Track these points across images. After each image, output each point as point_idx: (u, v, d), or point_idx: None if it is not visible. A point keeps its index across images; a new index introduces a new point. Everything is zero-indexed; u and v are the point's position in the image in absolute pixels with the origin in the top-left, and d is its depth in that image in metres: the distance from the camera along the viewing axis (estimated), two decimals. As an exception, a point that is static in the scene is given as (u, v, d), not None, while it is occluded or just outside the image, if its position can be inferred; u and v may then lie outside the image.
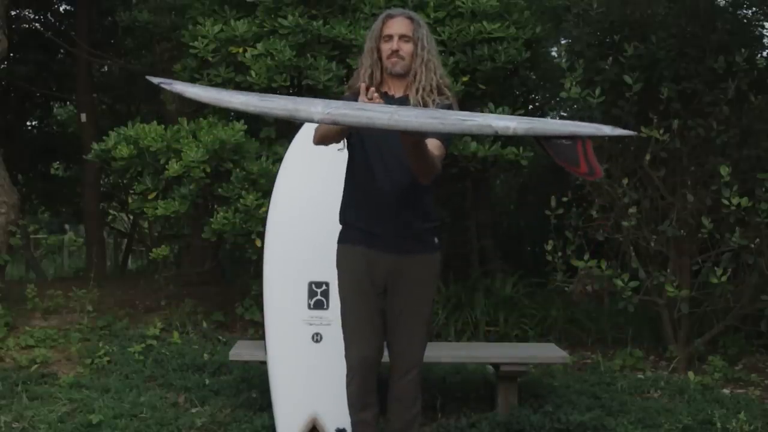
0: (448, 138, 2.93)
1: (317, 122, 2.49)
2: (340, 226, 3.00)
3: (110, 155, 5.42)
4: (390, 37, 2.92)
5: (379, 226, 2.87)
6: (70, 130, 11.70)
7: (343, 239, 2.99)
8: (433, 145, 2.78)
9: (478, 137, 5.54)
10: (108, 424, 3.82)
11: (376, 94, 2.63)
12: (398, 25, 2.93)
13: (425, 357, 3.06)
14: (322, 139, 2.86)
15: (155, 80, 2.63)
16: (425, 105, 2.86)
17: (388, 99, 2.92)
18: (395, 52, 2.91)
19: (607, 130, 2.52)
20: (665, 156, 5.03)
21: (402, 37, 2.91)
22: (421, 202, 2.93)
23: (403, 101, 2.93)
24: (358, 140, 2.93)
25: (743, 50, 4.66)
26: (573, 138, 2.48)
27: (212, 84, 5.64)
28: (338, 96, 5.17)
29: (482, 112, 5.48)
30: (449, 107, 2.89)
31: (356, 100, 2.93)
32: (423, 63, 2.92)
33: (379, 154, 2.89)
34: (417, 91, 2.90)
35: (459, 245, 6.89)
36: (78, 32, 9.04)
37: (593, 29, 5.29)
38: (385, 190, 2.88)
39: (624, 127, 5.23)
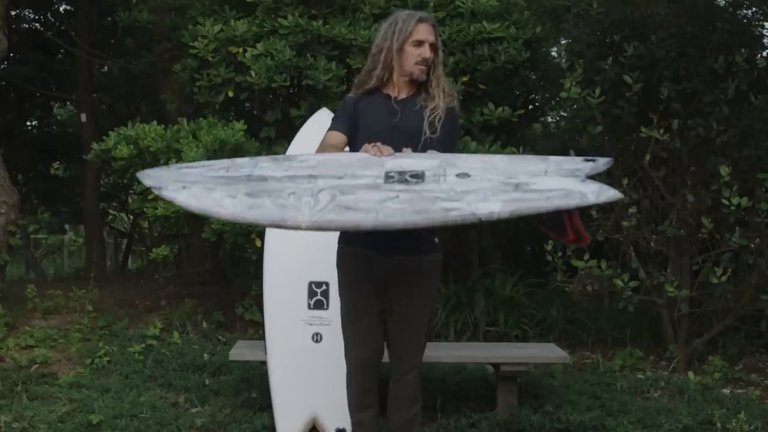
0: (448, 146, 2.93)
1: (305, 229, 2.46)
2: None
3: (110, 155, 5.42)
4: (420, 43, 2.88)
5: (379, 232, 2.86)
6: (70, 130, 11.71)
7: (343, 239, 2.99)
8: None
9: (478, 137, 5.54)
10: (108, 424, 3.82)
11: (387, 148, 2.66)
12: (428, 31, 2.90)
13: (425, 357, 3.05)
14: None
15: (147, 183, 2.63)
16: (444, 109, 2.89)
17: (391, 101, 2.91)
18: (425, 60, 2.89)
19: (591, 198, 2.38)
20: (665, 156, 5.03)
21: (431, 45, 2.90)
22: None
23: (407, 101, 2.92)
24: (360, 141, 2.92)
25: (743, 50, 4.66)
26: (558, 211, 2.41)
27: (212, 84, 5.65)
28: (338, 96, 5.18)
29: (482, 111, 5.49)
30: (453, 109, 2.93)
31: (361, 101, 2.93)
32: (439, 70, 2.94)
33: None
34: (440, 97, 2.90)
35: (459, 245, 6.89)
36: (78, 32, 9.05)
37: (593, 29, 5.28)
38: None
39: (624, 127, 5.26)
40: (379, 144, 2.69)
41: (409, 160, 2.61)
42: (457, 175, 2.51)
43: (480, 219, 2.36)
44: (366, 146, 2.73)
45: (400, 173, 2.53)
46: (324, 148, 2.90)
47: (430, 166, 2.56)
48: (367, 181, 2.52)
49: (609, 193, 2.37)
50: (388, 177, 2.52)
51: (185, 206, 2.54)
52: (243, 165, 2.69)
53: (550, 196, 2.37)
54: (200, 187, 2.55)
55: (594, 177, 2.52)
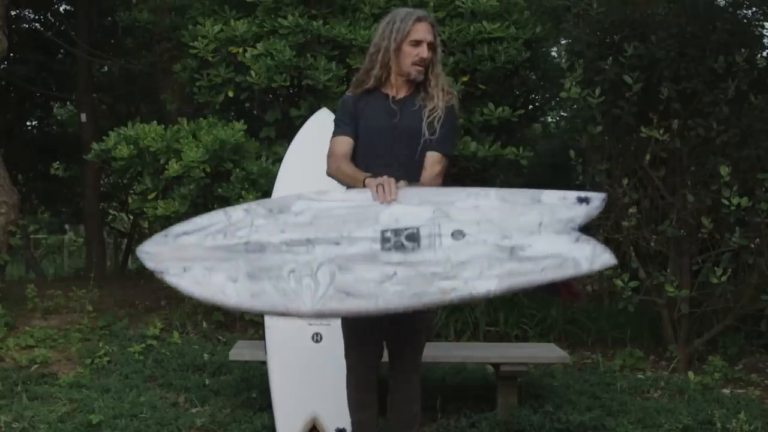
0: (448, 147, 2.94)
1: (307, 317, 2.54)
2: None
3: (110, 155, 5.43)
4: (418, 43, 2.86)
5: None
6: (70, 130, 11.71)
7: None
8: (433, 159, 2.84)
9: (478, 137, 5.55)
10: (108, 424, 3.81)
11: (391, 187, 2.61)
12: (426, 30, 2.87)
13: (425, 357, 3.05)
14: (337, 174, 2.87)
15: (149, 265, 2.59)
16: (444, 108, 2.87)
17: (389, 101, 2.91)
18: (423, 60, 2.87)
19: (585, 266, 2.41)
20: (665, 156, 5.03)
21: (429, 45, 2.88)
22: None
23: (406, 101, 2.92)
24: (362, 142, 2.91)
25: (743, 50, 4.65)
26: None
27: (212, 84, 5.65)
28: (338, 96, 5.17)
29: (482, 111, 5.49)
30: (452, 107, 2.92)
31: (361, 100, 2.92)
32: (438, 68, 2.92)
33: (383, 157, 2.88)
34: (439, 96, 2.88)
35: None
36: (78, 32, 9.05)
37: (593, 29, 5.28)
38: None
39: (624, 127, 5.26)
40: (384, 184, 2.62)
41: (403, 210, 2.56)
42: (452, 235, 2.50)
43: (475, 298, 2.43)
44: (370, 182, 2.65)
45: (396, 232, 2.52)
46: (336, 160, 2.85)
47: (424, 219, 2.53)
48: (363, 247, 2.50)
49: (602, 259, 2.41)
50: (384, 239, 2.51)
51: (189, 294, 2.55)
52: (239, 223, 2.60)
53: (544, 268, 2.41)
54: (200, 267, 2.53)
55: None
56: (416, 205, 2.57)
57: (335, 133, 2.95)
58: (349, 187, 2.81)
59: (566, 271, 2.41)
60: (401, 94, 2.94)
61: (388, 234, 2.52)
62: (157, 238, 2.63)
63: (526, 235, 2.48)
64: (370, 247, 2.50)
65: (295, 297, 2.45)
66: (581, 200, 2.53)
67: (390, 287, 2.43)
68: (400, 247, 2.49)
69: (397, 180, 2.66)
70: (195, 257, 2.55)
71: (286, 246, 2.54)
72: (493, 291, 2.41)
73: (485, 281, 2.41)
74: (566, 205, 2.53)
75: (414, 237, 2.51)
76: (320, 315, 2.48)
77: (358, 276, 2.46)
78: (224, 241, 2.58)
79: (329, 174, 2.89)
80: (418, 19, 2.87)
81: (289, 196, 2.70)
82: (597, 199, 2.54)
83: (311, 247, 2.52)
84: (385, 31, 2.90)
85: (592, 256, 2.41)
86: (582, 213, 2.50)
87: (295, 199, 2.64)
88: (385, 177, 2.65)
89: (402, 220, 2.54)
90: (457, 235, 2.50)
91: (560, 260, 2.42)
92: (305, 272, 2.48)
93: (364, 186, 2.68)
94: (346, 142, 2.90)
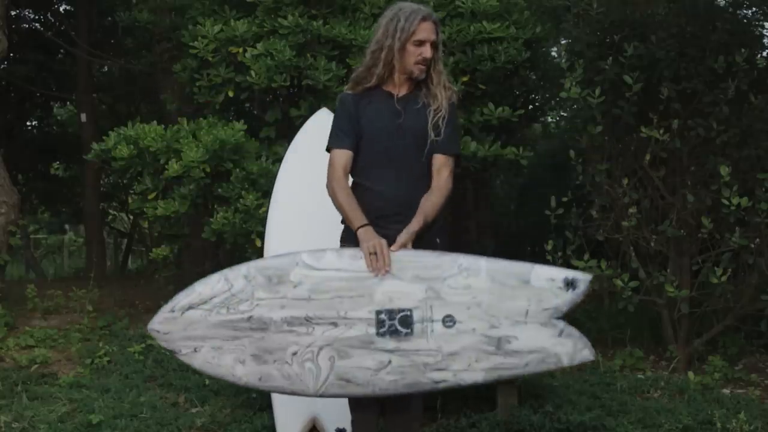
0: (455, 147, 2.95)
1: (312, 396, 2.71)
2: (341, 226, 2.99)
3: (110, 155, 5.43)
4: (421, 42, 2.84)
5: (384, 228, 2.85)
6: (70, 130, 11.72)
7: (346, 239, 2.95)
8: (441, 163, 2.86)
9: (478, 137, 5.55)
10: (108, 424, 3.81)
11: (384, 260, 2.66)
12: (430, 30, 2.85)
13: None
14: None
15: (163, 344, 2.75)
16: (446, 105, 2.88)
17: (392, 100, 2.90)
18: (425, 60, 2.85)
19: (566, 361, 2.64)
20: (665, 156, 5.03)
21: (432, 44, 2.86)
22: None
23: (408, 99, 2.90)
24: (367, 143, 2.90)
25: (743, 50, 4.65)
26: None
27: (212, 84, 5.65)
28: (337, 95, 5.17)
29: (482, 111, 5.49)
30: (453, 104, 2.93)
31: (362, 99, 2.91)
32: (440, 65, 2.91)
33: (388, 158, 2.87)
34: (442, 95, 2.88)
35: (460, 245, 6.87)
36: (78, 32, 9.06)
37: (593, 29, 5.28)
38: (393, 194, 2.86)
39: (624, 127, 5.26)
40: (377, 251, 2.66)
41: (397, 288, 2.66)
42: (443, 322, 2.66)
43: (462, 385, 2.67)
44: (363, 246, 2.69)
45: (389, 315, 2.65)
46: (335, 180, 2.85)
47: (417, 300, 2.66)
48: (360, 330, 2.65)
49: (582, 355, 2.66)
50: (379, 322, 2.66)
51: (202, 371, 2.74)
52: (240, 294, 2.70)
53: (528, 363, 2.64)
54: (209, 347, 2.69)
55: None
56: (409, 282, 2.69)
57: (334, 144, 2.91)
58: (342, 219, 2.86)
59: (548, 366, 2.67)
60: (403, 92, 2.93)
61: (383, 316, 2.67)
62: (165, 312, 2.75)
63: (512, 325, 2.66)
64: (366, 330, 2.66)
65: (299, 381, 2.66)
66: (568, 284, 2.68)
67: (385, 376, 2.64)
68: (394, 333, 2.66)
69: (391, 238, 2.72)
70: (203, 336, 2.71)
71: (288, 325, 2.68)
72: (480, 382, 2.65)
73: (473, 373, 2.64)
74: (553, 291, 2.68)
75: (407, 321, 2.66)
76: (323, 396, 2.70)
77: (356, 362, 2.65)
78: (228, 315, 2.71)
79: (328, 192, 2.88)
80: (423, 19, 2.85)
81: (286, 259, 2.76)
82: (583, 282, 2.69)
83: (311, 327, 2.67)
84: (388, 29, 2.87)
85: (573, 353, 2.66)
86: (568, 300, 2.67)
87: (292, 265, 2.73)
88: (378, 242, 2.68)
89: (396, 300, 2.67)
90: (448, 321, 2.67)
91: (543, 355, 2.65)
92: (307, 356, 2.66)
93: (356, 234, 2.74)
94: (345, 156, 2.88)
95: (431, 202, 2.83)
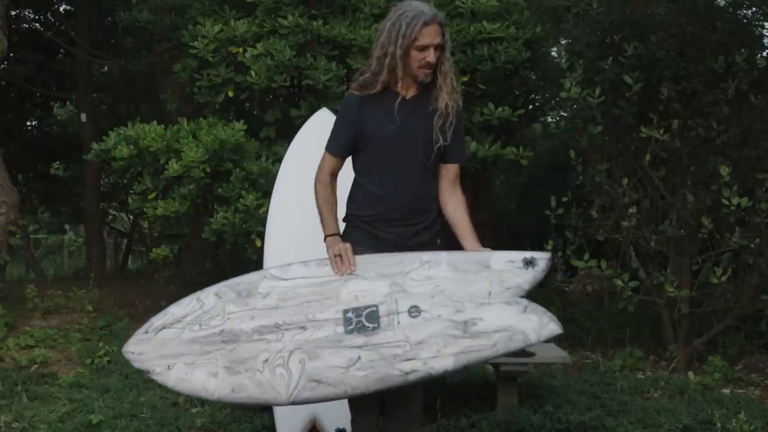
0: (464, 153, 2.99)
1: (284, 405, 2.72)
2: (341, 225, 2.97)
3: (110, 155, 5.42)
4: (425, 47, 2.78)
5: (385, 231, 2.84)
6: (70, 130, 11.72)
7: (347, 238, 2.93)
8: (454, 173, 2.93)
9: (478, 137, 5.55)
10: (108, 424, 3.82)
11: (347, 261, 2.73)
12: (434, 34, 2.78)
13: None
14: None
15: (136, 365, 2.73)
16: (453, 110, 2.87)
17: (399, 102, 2.84)
18: (429, 64, 2.80)
19: (533, 337, 2.62)
20: (665, 156, 5.03)
21: (436, 48, 2.80)
22: (431, 209, 2.91)
23: (416, 102, 2.86)
24: (372, 146, 2.86)
25: (743, 50, 4.65)
26: None
27: (212, 84, 5.65)
28: (338, 96, 5.18)
29: (482, 111, 5.49)
30: (460, 110, 2.92)
31: (367, 102, 2.87)
32: (446, 66, 2.87)
33: (393, 161, 2.85)
34: (449, 98, 2.85)
35: (459, 245, 6.88)
36: (78, 32, 9.06)
37: (593, 29, 5.28)
38: (396, 198, 2.84)
39: (624, 127, 5.27)
40: (341, 254, 2.74)
41: (362, 286, 2.69)
42: (409, 312, 2.67)
43: (433, 375, 2.65)
44: (329, 251, 2.77)
45: (356, 312, 2.67)
46: (321, 182, 2.89)
47: (382, 295, 2.68)
48: (328, 331, 2.66)
49: (549, 329, 2.62)
50: (346, 320, 2.67)
51: (176, 390, 2.75)
52: (212, 311, 2.72)
53: (496, 342, 2.62)
54: (182, 363, 2.69)
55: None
56: (373, 280, 2.71)
57: (328, 148, 2.91)
58: (344, 218, 2.94)
59: (516, 344, 2.62)
60: (411, 93, 2.87)
61: (350, 314, 2.68)
62: (139, 335, 2.76)
63: (477, 307, 2.66)
64: (334, 330, 2.67)
65: (271, 388, 2.65)
66: (527, 263, 2.69)
67: (356, 373, 2.63)
68: (361, 329, 2.66)
69: (393, 241, 2.81)
70: (176, 353, 2.71)
71: (258, 334, 2.69)
72: (451, 369, 2.63)
73: (443, 360, 2.62)
74: (513, 271, 2.69)
75: (374, 316, 2.67)
76: (295, 403, 2.69)
77: (326, 362, 2.64)
78: (200, 332, 2.72)
79: (313, 188, 2.92)
80: (425, 24, 2.77)
81: (256, 274, 2.83)
82: (542, 260, 2.69)
83: (280, 334, 2.68)
84: (391, 34, 2.80)
85: (539, 328, 2.63)
86: (529, 278, 2.67)
87: (261, 278, 2.78)
88: (343, 246, 2.76)
89: (361, 298, 2.69)
90: (414, 311, 2.67)
91: (510, 333, 2.62)
92: (278, 361, 2.66)
93: (324, 240, 2.81)
94: (335, 162, 2.90)
95: (466, 216, 2.97)
